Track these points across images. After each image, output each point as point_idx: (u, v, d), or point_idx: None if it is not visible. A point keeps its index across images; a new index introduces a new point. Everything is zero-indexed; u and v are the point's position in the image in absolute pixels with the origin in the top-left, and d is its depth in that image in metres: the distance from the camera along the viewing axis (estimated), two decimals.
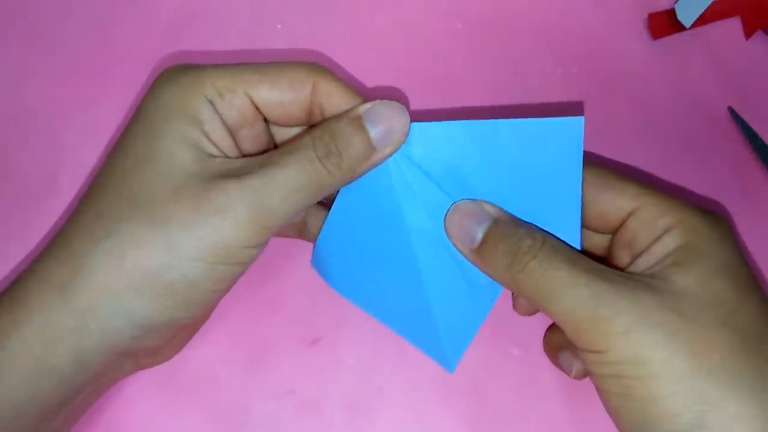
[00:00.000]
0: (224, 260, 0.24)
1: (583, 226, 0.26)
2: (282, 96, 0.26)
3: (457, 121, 0.26)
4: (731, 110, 0.35)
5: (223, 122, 0.26)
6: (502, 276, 0.25)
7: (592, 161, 0.26)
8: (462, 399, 0.30)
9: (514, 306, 0.29)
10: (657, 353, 0.22)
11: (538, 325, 0.30)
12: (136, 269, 0.23)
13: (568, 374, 0.27)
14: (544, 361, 0.31)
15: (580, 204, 0.26)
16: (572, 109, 0.35)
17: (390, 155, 0.26)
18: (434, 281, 0.27)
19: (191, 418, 0.30)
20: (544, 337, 0.29)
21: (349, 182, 0.26)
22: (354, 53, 0.35)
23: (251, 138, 0.27)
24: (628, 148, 0.34)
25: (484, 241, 0.25)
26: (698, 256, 0.23)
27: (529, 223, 0.26)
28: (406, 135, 0.25)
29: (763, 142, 0.34)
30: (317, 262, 0.31)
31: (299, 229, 0.30)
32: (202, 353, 0.31)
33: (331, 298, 0.31)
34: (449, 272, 0.27)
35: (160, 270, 0.23)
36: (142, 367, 0.27)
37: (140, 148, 0.25)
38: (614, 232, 0.26)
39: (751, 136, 0.34)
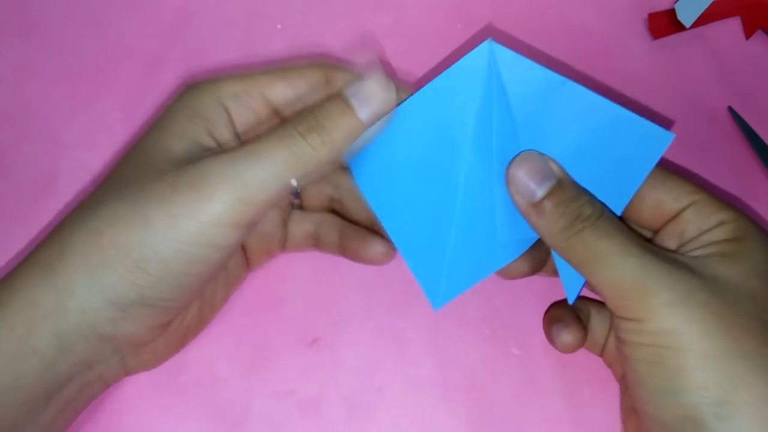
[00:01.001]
0: (197, 240, 0.24)
1: (632, 219, 0.27)
2: (297, 92, 0.27)
3: (562, 78, 0.26)
4: (731, 110, 0.35)
5: (233, 125, 0.26)
6: (554, 236, 0.25)
7: None
8: (462, 399, 0.30)
9: (504, 271, 0.29)
10: (695, 328, 0.22)
11: (539, 325, 0.30)
12: (110, 246, 0.23)
13: (552, 343, 0.28)
14: (544, 361, 0.31)
15: (628, 200, 0.27)
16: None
17: (376, 127, 0.26)
18: (465, 215, 0.28)
19: (191, 418, 0.30)
20: (547, 311, 0.29)
21: (335, 159, 0.26)
22: (354, 53, 0.36)
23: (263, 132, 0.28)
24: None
25: (546, 198, 0.26)
26: (744, 253, 0.25)
27: (589, 192, 0.26)
28: (392, 106, 0.26)
29: (763, 142, 0.34)
30: (351, 152, 0.29)
31: (315, 240, 0.30)
32: (202, 353, 0.31)
33: (331, 298, 0.32)
34: (484, 214, 0.28)
35: (132, 247, 0.23)
36: (129, 369, 0.27)
37: (143, 145, 0.26)
38: (662, 226, 0.27)
39: (751, 136, 0.34)
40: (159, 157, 0.25)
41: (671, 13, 0.36)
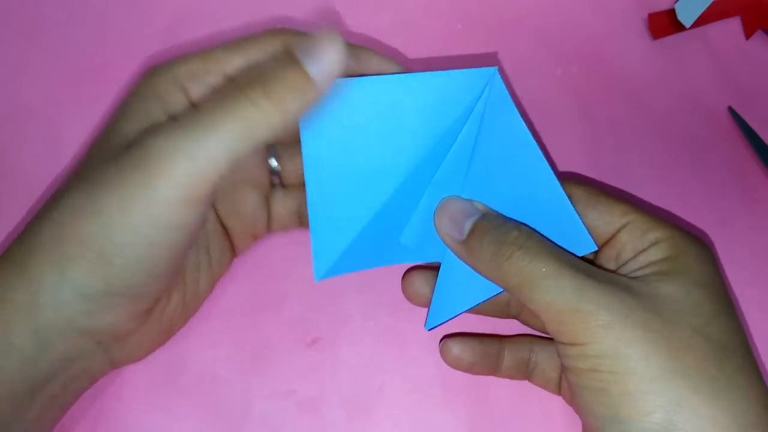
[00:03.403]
0: (154, 222, 0.23)
1: None
2: (254, 59, 0.25)
3: (533, 143, 0.26)
4: (731, 110, 0.35)
5: (188, 98, 0.25)
6: (488, 266, 0.25)
7: (579, 180, 0.27)
8: (462, 399, 0.30)
9: (404, 290, 0.30)
10: (635, 349, 0.22)
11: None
12: (72, 237, 0.23)
13: (444, 357, 0.29)
14: None
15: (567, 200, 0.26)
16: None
17: (327, 87, 0.24)
18: (386, 209, 0.28)
19: (191, 417, 0.30)
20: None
21: (289, 124, 0.24)
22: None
23: None
24: (628, 148, 0.34)
25: (471, 232, 0.26)
26: (682, 269, 0.24)
27: (515, 219, 0.26)
28: (343, 63, 0.23)
29: (763, 142, 0.34)
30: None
31: (301, 218, 0.30)
32: (202, 353, 0.31)
33: (331, 298, 0.32)
34: (401, 214, 0.29)
35: (91, 237, 0.23)
36: (114, 361, 0.27)
37: (101, 136, 0.25)
38: (600, 248, 0.27)
39: (751, 136, 0.34)
40: (113, 142, 0.24)
41: (671, 13, 0.36)
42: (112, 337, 0.26)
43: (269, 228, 0.31)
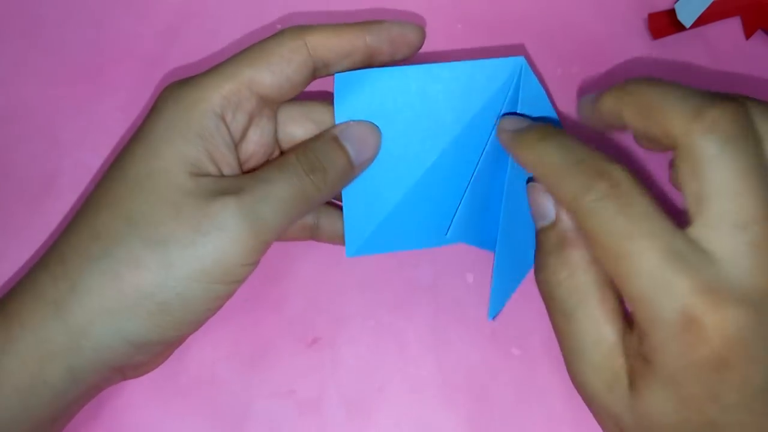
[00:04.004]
0: (221, 279, 0.24)
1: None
2: (285, 72, 0.26)
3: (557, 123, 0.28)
4: None
5: (230, 134, 0.26)
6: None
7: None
8: (462, 399, 0.30)
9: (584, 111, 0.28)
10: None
11: (538, 325, 0.30)
12: (131, 289, 0.23)
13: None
14: (544, 361, 0.31)
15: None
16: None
17: (363, 170, 0.28)
18: (419, 190, 0.29)
19: (191, 418, 0.30)
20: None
21: (328, 199, 0.27)
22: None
23: (257, 137, 0.27)
24: (628, 148, 0.34)
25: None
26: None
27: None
28: (378, 150, 0.28)
29: None
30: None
31: (312, 230, 0.30)
32: (202, 353, 0.31)
33: (331, 298, 0.32)
34: (436, 198, 0.30)
35: (155, 290, 0.23)
36: (126, 379, 0.27)
37: (139, 168, 0.24)
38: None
39: None
40: (165, 187, 0.24)
41: (671, 13, 0.36)
42: (134, 367, 0.26)
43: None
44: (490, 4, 0.37)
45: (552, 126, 0.26)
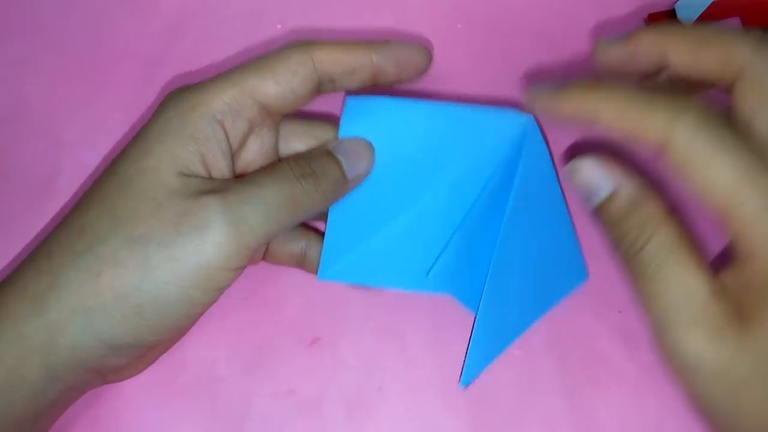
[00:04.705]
0: (199, 284, 0.23)
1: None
2: (290, 84, 0.26)
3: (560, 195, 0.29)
4: None
5: (228, 140, 0.25)
6: None
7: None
8: (462, 399, 0.30)
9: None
10: None
11: (539, 325, 0.30)
12: (108, 289, 0.23)
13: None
14: (544, 361, 0.31)
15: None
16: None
17: (356, 185, 0.27)
18: (402, 228, 0.29)
19: (191, 417, 0.30)
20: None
21: (321, 210, 0.27)
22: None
23: (256, 147, 0.27)
24: (628, 148, 0.34)
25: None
26: None
27: None
28: (371, 167, 0.28)
29: None
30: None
31: (299, 259, 0.30)
32: (202, 353, 0.31)
33: (331, 298, 0.32)
34: (420, 240, 0.29)
35: (131, 292, 0.23)
36: (107, 382, 0.27)
37: (129, 166, 0.24)
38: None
39: None
40: (152, 185, 0.24)
41: (671, 13, 0.36)
42: (114, 371, 0.26)
43: (264, 258, 0.31)
44: (490, 4, 0.37)
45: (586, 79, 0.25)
